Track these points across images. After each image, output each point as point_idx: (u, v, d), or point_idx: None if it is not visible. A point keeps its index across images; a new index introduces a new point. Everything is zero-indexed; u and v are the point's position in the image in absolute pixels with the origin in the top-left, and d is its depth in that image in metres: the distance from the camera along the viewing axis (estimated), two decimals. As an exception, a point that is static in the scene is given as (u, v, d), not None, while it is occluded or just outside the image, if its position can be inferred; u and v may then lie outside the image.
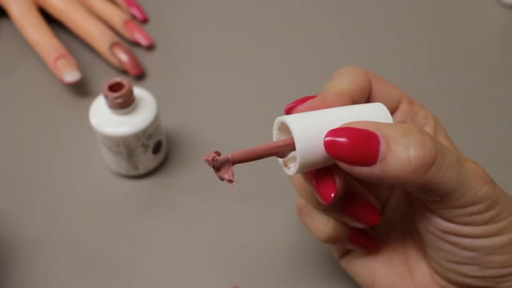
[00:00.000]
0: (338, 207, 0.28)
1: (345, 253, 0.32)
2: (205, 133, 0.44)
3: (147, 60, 0.49)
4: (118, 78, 0.37)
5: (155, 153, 0.40)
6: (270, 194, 0.40)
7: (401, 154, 0.23)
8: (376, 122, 0.24)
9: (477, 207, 0.25)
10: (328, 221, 0.29)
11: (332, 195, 0.25)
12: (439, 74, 0.48)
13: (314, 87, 0.31)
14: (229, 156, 0.25)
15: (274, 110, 0.31)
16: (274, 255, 0.37)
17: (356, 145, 0.24)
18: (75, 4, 0.48)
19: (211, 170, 0.41)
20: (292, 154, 0.25)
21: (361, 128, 0.24)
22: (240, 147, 0.42)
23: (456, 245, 0.26)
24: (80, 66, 0.46)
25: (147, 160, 0.40)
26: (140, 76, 0.47)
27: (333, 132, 0.24)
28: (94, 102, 0.39)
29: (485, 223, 0.25)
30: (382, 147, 0.23)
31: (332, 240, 0.30)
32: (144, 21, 0.52)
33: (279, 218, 0.39)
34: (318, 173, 0.26)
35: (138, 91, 0.39)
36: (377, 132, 0.24)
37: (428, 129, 0.29)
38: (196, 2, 0.55)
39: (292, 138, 0.24)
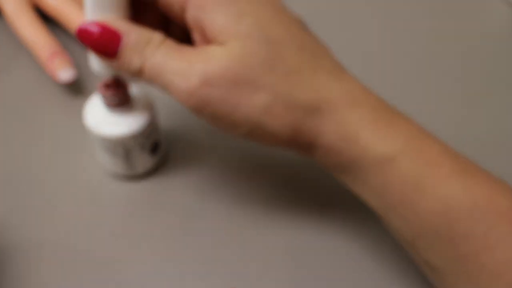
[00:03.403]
0: None
1: None
2: (205, 133, 0.43)
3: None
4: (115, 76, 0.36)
5: (152, 153, 0.40)
6: (271, 195, 0.40)
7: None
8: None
9: None
10: None
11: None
12: (441, 72, 0.48)
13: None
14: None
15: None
16: (274, 256, 0.37)
17: (101, 41, 0.30)
18: (70, 2, 0.47)
19: (211, 171, 0.41)
20: None
21: (109, 27, 0.30)
22: (239, 147, 0.42)
23: None
24: (75, 64, 0.45)
25: (145, 160, 0.40)
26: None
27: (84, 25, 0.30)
28: (89, 101, 0.38)
29: None
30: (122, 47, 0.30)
31: None
32: None
33: (279, 219, 0.39)
34: None
35: (135, 90, 0.38)
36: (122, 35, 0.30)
37: None
38: None
39: None
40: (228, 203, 0.40)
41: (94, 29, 0.30)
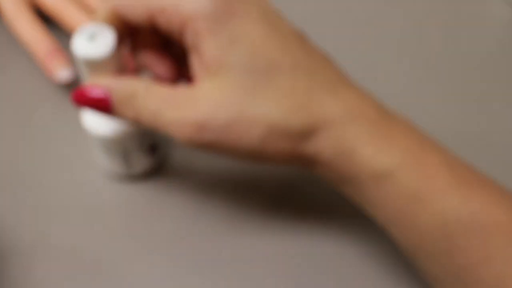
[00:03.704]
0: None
1: None
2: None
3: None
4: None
5: (151, 154, 0.39)
6: (271, 198, 0.40)
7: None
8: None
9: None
10: None
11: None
12: (440, 72, 0.48)
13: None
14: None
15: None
16: (273, 258, 0.37)
17: (96, 104, 0.32)
18: (69, 1, 0.47)
19: (210, 173, 0.41)
20: None
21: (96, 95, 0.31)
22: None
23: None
24: (73, 64, 0.45)
25: (143, 161, 0.39)
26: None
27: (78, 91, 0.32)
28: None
29: None
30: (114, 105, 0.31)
31: None
32: None
33: (279, 222, 0.39)
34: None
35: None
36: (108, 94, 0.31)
37: None
38: None
39: None
40: (227, 206, 0.39)
41: (89, 95, 0.32)
